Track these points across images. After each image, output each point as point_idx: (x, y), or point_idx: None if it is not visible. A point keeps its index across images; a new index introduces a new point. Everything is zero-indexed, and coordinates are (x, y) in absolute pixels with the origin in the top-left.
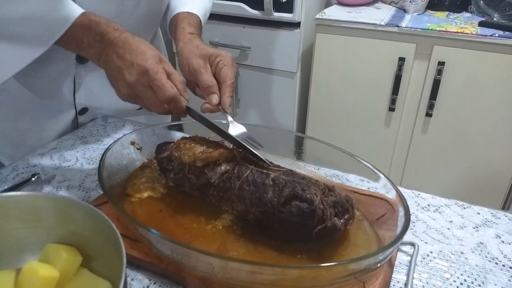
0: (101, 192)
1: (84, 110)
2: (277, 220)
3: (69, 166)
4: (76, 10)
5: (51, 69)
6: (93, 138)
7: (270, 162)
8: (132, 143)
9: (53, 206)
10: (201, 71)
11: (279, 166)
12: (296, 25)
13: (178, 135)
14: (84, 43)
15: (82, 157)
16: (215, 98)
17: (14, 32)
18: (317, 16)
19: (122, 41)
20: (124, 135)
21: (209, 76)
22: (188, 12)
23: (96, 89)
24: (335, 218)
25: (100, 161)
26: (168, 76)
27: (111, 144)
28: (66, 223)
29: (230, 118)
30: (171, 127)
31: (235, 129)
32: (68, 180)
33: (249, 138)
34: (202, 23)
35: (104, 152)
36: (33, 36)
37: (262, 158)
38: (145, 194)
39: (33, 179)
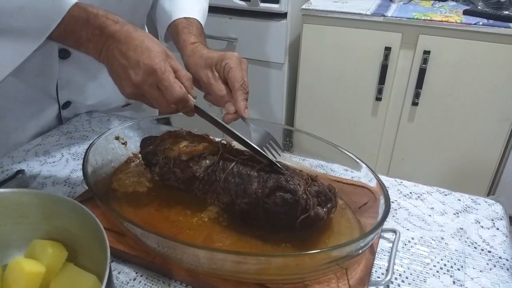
0: (87, 188)
1: (67, 104)
2: (262, 211)
3: (54, 162)
4: (70, 0)
5: (34, 65)
6: (78, 134)
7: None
8: (117, 138)
9: (38, 203)
10: (210, 82)
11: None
12: (283, 15)
13: (163, 128)
14: (83, 37)
15: (67, 153)
16: (231, 107)
17: (8, 25)
18: (304, 7)
19: (125, 36)
20: (108, 129)
21: (219, 85)
22: (186, 18)
23: (79, 83)
24: (318, 207)
25: (84, 156)
26: (175, 73)
27: (95, 140)
28: (51, 219)
29: (248, 122)
30: (156, 121)
31: (257, 132)
32: (53, 176)
33: (272, 141)
34: (202, 25)
35: (88, 147)
36: (27, 29)
37: (272, 159)
38: (131, 189)
39: (18, 175)
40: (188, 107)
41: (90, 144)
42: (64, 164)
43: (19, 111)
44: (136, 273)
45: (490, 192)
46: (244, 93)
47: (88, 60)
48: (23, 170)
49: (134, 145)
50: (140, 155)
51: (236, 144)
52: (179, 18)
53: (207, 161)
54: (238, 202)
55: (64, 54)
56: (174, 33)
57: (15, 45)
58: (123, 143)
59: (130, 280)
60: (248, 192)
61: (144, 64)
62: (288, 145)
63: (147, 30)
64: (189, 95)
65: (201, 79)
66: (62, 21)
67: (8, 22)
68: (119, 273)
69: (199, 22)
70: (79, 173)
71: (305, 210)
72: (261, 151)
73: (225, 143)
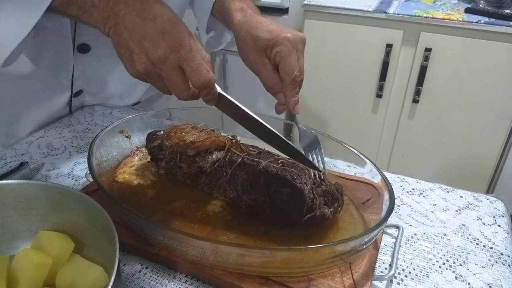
0: (91, 180)
1: (79, 92)
2: (268, 207)
3: (57, 154)
4: None
5: (48, 59)
6: (81, 126)
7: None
8: (121, 132)
9: (45, 194)
10: (259, 70)
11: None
12: (284, 11)
13: (167, 122)
14: (87, 2)
15: (70, 145)
16: (281, 98)
17: None
18: (305, 2)
19: (140, 1)
20: (112, 123)
21: (268, 74)
22: None
23: (95, 77)
24: (325, 207)
25: (89, 149)
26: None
27: (99, 133)
28: (58, 210)
29: (298, 120)
30: (159, 115)
31: (305, 136)
32: (57, 168)
33: (319, 151)
34: None
35: (93, 140)
36: None
37: (315, 165)
38: (135, 182)
39: (22, 167)
40: (213, 93)
41: (95, 137)
42: (67, 157)
43: (31, 98)
44: (141, 265)
45: (490, 189)
46: (296, 87)
47: (107, 55)
48: (27, 162)
49: (138, 139)
50: (144, 149)
51: (241, 139)
52: None
53: (214, 156)
54: (245, 198)
55: (83, 48)
56: (219, 8)
57: (17, 15)
58: (127, 137)
59: (136, 272)
60: (254, 188)
61: (169, 38)
62: (290, 140)
63: None
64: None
65: (250, 63)
66: None
67: None
68: (124, 265)
69: None
70: (82, 166)
71: (311, 209)
72: (303, 154)
73: (232, 138)
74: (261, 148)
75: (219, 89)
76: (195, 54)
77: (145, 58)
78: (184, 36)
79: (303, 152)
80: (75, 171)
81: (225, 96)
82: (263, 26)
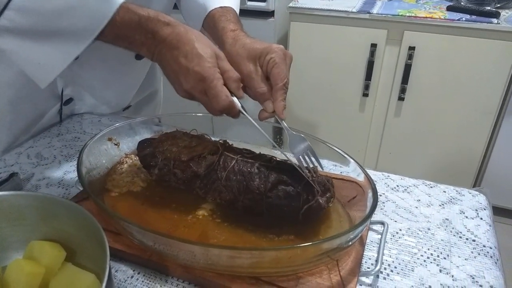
0: (81, 189)
1: (69, 101)
2: (265, 205)
3: (47, 164)
4: (117, 1)
5: None
6: (70, 135)
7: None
8: (109, 139)
9: (35, 204)
10: (251, 77)
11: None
12: (270, 14)
13: (155, 128)
14: (137, 40)
15: (60, 154)
16: (269, 106)
17: (57, 26)
18: (290, 5)
19: (176, 40)
20: (101, 131)
21: (260, 81)
22: (221, 7)
23: (85, 83)
24: (319, 197)
25: (78, 158)
26: (224, 73)
27: (88, 141)
28: (48, 220)
29: (285, 125)
30: (148, 121)
31: (294, 139)
32: (47, 178)
33: (310, 153)
34: (237, 14)
35: (82, 149)
36: (75, 30)
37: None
38: (125, 189)
39: (12, 178)
40: (233, 112)
41: (84, 145)
42: (57, 166)
43: (27, 118)
44: (133, 270)
45: (476, 183)
46: (285, 92)
47: (96, 61)
48: (17, 173)
49: (126, 146)
50: (133, 156)
51: (232, 144)
52: (215, 8)
53: (207, 161)
54: (241, 199)
55: None
56: (211, 24)
57: (63, 46)
58: (115, 144)
59: (128, 277)
60: (250, 188)
61: (194, 72)
62: (278, 142)
63: None
64: (235, 100)
65: (241, 72)
66: (115, 25)
67: (57, 23)
68: (116, 271)
69: (235, 11)
70: (73, 175)
71: (307, 200)
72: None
73: (223, 142)
74: (253, 152)
75: (239, 107)
76: (216, 83)
77: (181, 88)
78: (208, 68)
79: (296, 157)
80: (65, 180)
81: (246, 115)
82: (255, 41)
